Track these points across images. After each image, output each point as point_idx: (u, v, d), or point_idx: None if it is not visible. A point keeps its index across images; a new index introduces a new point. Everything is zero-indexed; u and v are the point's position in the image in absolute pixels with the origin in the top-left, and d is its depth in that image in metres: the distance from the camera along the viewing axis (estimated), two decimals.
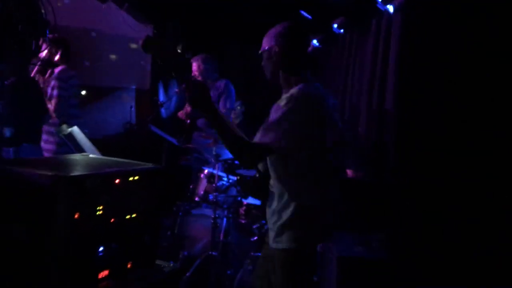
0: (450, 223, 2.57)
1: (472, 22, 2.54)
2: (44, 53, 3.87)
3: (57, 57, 3.89)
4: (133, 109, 6.73)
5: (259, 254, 3.78)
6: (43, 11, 2.23)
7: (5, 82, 3.26)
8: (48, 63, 3.84)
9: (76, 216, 1.61)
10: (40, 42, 3.91)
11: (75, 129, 2.54)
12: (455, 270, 2.47)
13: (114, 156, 2.16)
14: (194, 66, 4.57)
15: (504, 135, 2.32)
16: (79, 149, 2.50)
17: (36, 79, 3.80)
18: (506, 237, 2.21)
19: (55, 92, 3.78)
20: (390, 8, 3.28)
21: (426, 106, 2.89)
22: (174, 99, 5.11)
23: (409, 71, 3.20)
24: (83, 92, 3.80)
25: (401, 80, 3.33)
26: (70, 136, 2.49)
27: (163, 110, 4.89)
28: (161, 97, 5.41)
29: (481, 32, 2.49)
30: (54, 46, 3.92)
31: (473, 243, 2.38)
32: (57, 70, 3.92)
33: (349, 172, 3.64)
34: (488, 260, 2.29)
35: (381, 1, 3.32)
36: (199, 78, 4.47)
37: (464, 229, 2.46)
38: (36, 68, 3.80)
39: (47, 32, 2.16)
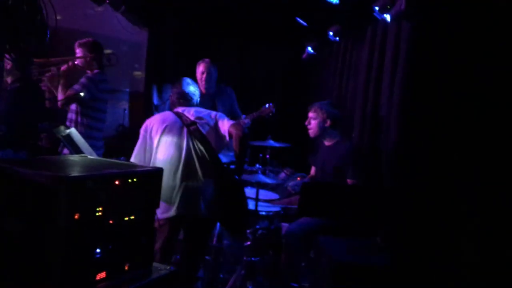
0: (447, 229, 2.59)
1: (469, 31, 2.58)
2: (79, 57, 3.92)
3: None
4: (126, 112, 6.72)
5: (253, 258, 3.80)
6: (44, 12, 2.23)
7: (8, 88, 3.26)
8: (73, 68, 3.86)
9: (76, 216, 1.61)
10: (76, 46, 3.99)
11: (73, 131, 2.53)
12: (453, 276, 2.49)
13: (110, 158, 2.16)
14: (202, 68, 4.64)
15: (502, 135, 2.34)
16: (77, 150, 2.50)
17: (45, 83, 3.80)
18: (507, 240, 2.22)
19: (75, 86, 3.80)
20: (387, 17, 3.32)
21: (421, 112, 2.92)
22: (168, 102, 5.12)
23: (405, 78, 3.23)
24: (82, 94, 3.80)
25: (397, 87, 3.36)
26: (68, 137, 2.49)
27: (156, 114, 4.89)
28: (155, 100, 5.41)
29: (479, 41, 2.53)
30: (87, 51, 3.95)
31: (474, 248, 2.39)
32: (91, 72, 3.95)
33: (349, 181, 3.65)
34: (488, 266, 2.30)
35: (378, 10, 3.36)
36: (204, 77, 4.62)
37: (463, 235, 2.48)
38: (64, 68, 3.81)
39: (48, 34, 2.15)
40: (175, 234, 3.17)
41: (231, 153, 4.06)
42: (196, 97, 3.44)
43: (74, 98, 3.78)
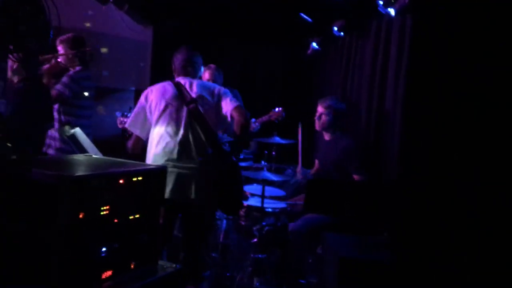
0: (453, 226, 2.57)
1: (474, 25, 2.56)
2: (61, 54, 3.88)
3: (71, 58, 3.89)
4: (132, 110, 6.72)
5: (259, 256, 3.80)
6: (46, 11, 2.22)
7: (16, 86, 3.26)
8: (58, 65, 3.81)
9: (80, 216, 1.62)
10: (57, 43, 3.93)
11: (78, 130, 2.54)
12: (458, 274, 2.48)
13: (113, 157, 2.16)
14: (207, 75, 4.54)
15: (507, 134, 2.33)
16: (82, 149, 2.51)
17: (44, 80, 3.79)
18: (510, 238, 2.21)
19: (57, 86, 3.77)
20: (392, 11, 3.30)
21: (426, 106, 2.90)
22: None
23: (410, 73, 3.21)
24: (86, 94, 3.78)
25: (402, 82, 3.34)
26: (73, 137, 2.50)
27: None
28: None
29: (483, 36, 2.51)
30: (68, 47, 3.91)
31: (478, 245, 2.38)
32: (73, 70, 3.91)
33: (356, 176, 3.65)
34: (492, 263, 2.29)
35: (382, 4, 3.34)
36: None
37: (468, 231, 2.46)
38: (46, 67, 3.78)
39: (51, 33, 2.15)
40: (170, 221, 3.10)
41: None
42: (201, 68, 3.34)
43: (58, 98, 3.75)
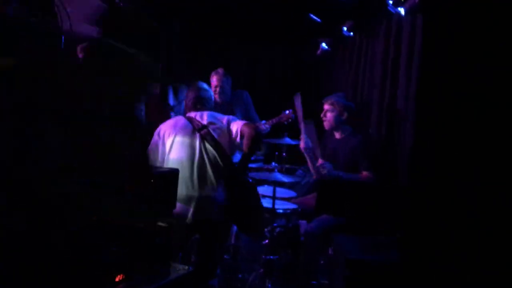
0: (465, 227, 2.55)
1: (486, 23, 2.53)
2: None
3: None
4: (142, 112, 6.75)
5: (271, 257, 3.80)
6: (58, 16, 2.24)
7: None
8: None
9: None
10: (78, 51, 3.95)
11: None
12: (468, 275, 2.45)
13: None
14: (215, 80, 4.60)
15: None
16: None
17: None
18: None
19: None
20: (402, 10, 3.28)
21: (438, 107, 2.88)
22: (183, 103, 5.13)
23: (420, 72, 3.19)
24: None
25: (413, 81, 3.32)
26: None
27: (173, 114, 4.91)
28: (171, 101, 5.43)
29: (495, 34, 2.48)
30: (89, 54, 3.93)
31: (490, 248, 2.36)
32: None
33: (364, 172, 3.63)
34: (506, 266, 2.26)
35: (392, 3, 3.33)
36: (218, 90, 4.57)
37: (480, 234, 2.44)
38: None
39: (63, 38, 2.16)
40: (190, 239, 3.19)
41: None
42: (212, 102, 3.47)
43: None
